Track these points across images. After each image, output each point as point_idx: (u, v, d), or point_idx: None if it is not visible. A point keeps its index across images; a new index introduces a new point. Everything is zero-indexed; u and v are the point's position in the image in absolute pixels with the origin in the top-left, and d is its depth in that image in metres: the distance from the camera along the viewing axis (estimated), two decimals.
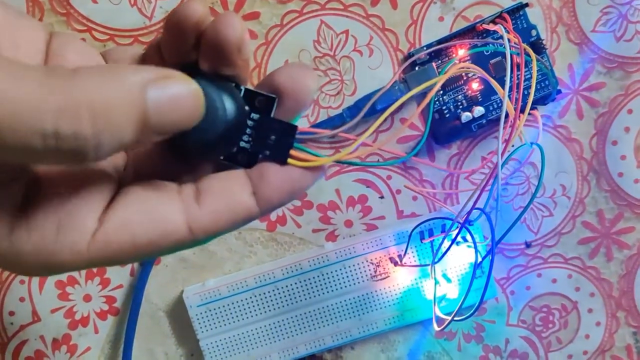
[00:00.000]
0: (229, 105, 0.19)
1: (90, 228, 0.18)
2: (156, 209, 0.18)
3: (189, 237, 0.19)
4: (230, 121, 0.19)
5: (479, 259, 0.34)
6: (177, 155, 0.20)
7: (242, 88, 0.20)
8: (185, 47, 0.19)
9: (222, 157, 0.20)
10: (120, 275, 0.38)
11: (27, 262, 0.17)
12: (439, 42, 0.36)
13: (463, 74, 0.36)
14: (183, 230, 0.18)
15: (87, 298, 0.38)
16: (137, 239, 0.18)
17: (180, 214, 0.18)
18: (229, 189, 0.19)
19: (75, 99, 0.14)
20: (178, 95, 0.17)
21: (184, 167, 0.21)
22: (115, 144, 0.16)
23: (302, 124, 0.36)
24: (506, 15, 0.35)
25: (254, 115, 0.20)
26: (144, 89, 0.16)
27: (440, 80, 0.27)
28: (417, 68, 0.36)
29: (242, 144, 0.20)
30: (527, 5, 0.36)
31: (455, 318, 0.31)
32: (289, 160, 0.19)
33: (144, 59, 0.21)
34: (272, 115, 0.20)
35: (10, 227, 0.17)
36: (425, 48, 0.36)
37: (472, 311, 0.30)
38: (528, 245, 0.39)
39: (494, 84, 0.30)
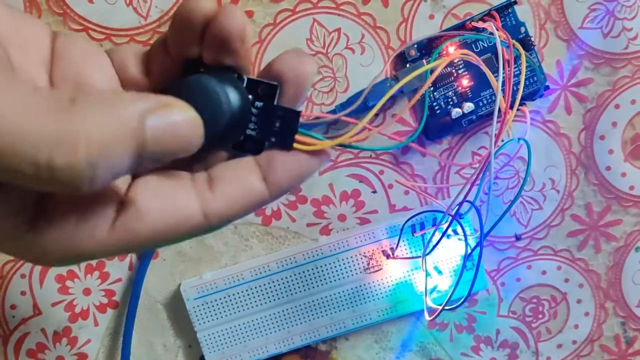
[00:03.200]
0: (232, 96, 0.20)
1: (109, 218, 0.18)
2: (172, 197, 0.19)
3: (204, 222, 0.19)
4: (235, 111, 0.20)
5: (469, 251, 0.34)
6: None
7: (245, 78, 0.20)
8: (192, 41, 0.20)
9: (230, 146, 0.21)
10: (119, 269, 0.39)
11: (48, 254, 0.18)
12: (429, 39, 0.36)
13: (453, 70, 0.37)
14: (199, 216, 0.19)
15: (87, 292, 0.39)
16: (156, 225, 0.18)
17: (195, 200, 0.19)
18: (240, 175, 0.20)
19: (72, 131, 0.15)
20: (176, 124, 0.17)
21: (194, 156, 0.21)
22: (110, 174, 0.16)
23: None
24: (495, 13, 0.36)
25: (258, 104, 0.20)
26: (142, 120, 0.16)
27: (434, 73, 0.28)
28: (408, 65, 0.36)
29: (249, 132, 0.20)
30: (515, 2, 0.36)
31: (446, 308, 0.32)
32: (295, 145, 0.20)
33: (150, 56, 0.21)
34: (275, 102, 0.20)
35: (29, 221, 0.18)
36: (415, 45, 0.36)
37: (461, 301, 0.31)
38: (518, 237, 0.40)
39: (488, 73, 0.30)
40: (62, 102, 0.15)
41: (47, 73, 0.20)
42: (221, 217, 0.19)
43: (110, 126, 0.15)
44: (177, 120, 0.17)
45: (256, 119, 0.20)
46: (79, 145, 0.15)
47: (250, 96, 0.20)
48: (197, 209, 0.19)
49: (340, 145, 0.21)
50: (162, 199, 0.19)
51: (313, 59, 0.20)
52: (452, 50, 0.36)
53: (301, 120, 0.20)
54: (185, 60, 0.20)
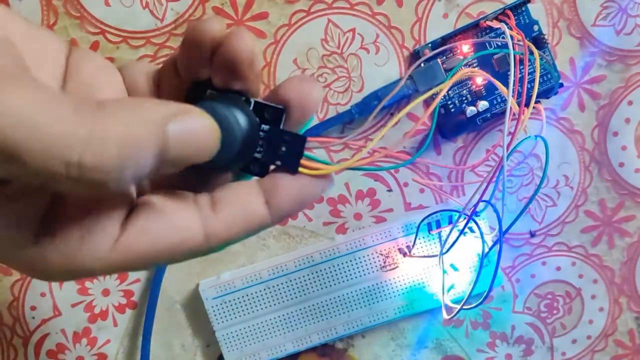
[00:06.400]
0: (242, 120, 0.20)
1: (113, 235, 0.18)
2: (175, 218, 0.19)
3: (206, 244, 0.19)
4: (245, 136, 0.20)
5: (486, 249, 0.35)
6: (194, 168, 0.21)
7: (252, 101, 0.20)
8: (201, 64, 0.20)
9: (239, 169, 0.21)
10: None
11: (50, 268, 0.18)
12: (444, 38, 0.37)
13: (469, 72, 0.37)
14: (200, 239, 0.19)
15: (106, 292, 0.39)
16: (157, 246, 0.19)
17: (197, 222, 0.19)
18: (242, 199, 0.20)
19: (101, 131, 0.15)
20: (196, 130, 0.18)
21: (199, 177, 0.21)
22: (135, 175, 0.16)
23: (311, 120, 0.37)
24: (509, 12, 0.36)
25: (264, 127, 0.20)
26: (164, 124, 0.16)
27: (447, 85, 0.28)
28: (422, 65, 0.37)
29: (255, 154, 0.20)
30: (529, 1, 0.37)
31: (465, 306, 0.32)
32: (300, 169, 0.20)
33: (160, 75, 0.22)
34: (281, 126, 0.20)
35: (35, 234, 0.18)
36: (430, 45, 0.37)
37: (481, 299, 0.31)
38: (533, 234, 0.40)
39: (498, 85, 0.31)
40: (90, 104, 0.15)
41: (60, 88, 0.20)
42: (222, 239, 0.19)
43: (136, 128, 0.16)
44: (196, 126, 0.18)
45: (262, 142, 0.20)
46: (108, 145, 0.15)
47: (257, 119, 0.20)
48: (198, 230, 0.19)
49: (347, 169, 0.21)
50: (165, 219, 0.19)
51: (319, 84, 0.21)
52: (466, 49, 0.37)
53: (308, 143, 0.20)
54: (192, 82, 0.21)
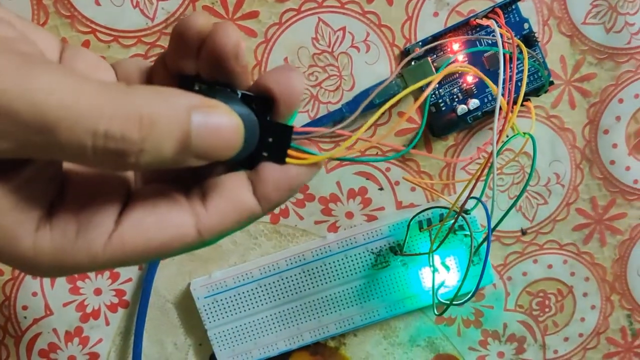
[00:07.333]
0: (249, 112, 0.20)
1: (107, 230, 0.18)
2: (167, 213, 0.19)
3: (198, 238, 0.19)
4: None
5: (476, 247, 0.35)
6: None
7: (239, 92, 0.20)
8: (187, 58, 0.20)
9: (245, 162, 0.21)
10: (129, 269, 0.39)
11: (44, 262, 0.18)
12: (434, 37, 0.37)
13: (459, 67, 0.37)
14: (192, 233, 0.19)
15: (98, 292, 0.39)
16: (150, 242, 0.19)
17: (189, 217, 0.19)
18: (232, 191, 0.20)
19: (127, 107, 0.16)
20: (220, 125, 0.18)
21: (190, 171, 0.22)
22: (156, 156, 0.17)
23: (302, 118, 0.38)
24: (498, 10, 0.36)
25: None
26: (189, 113, 0.17)
27: (436, 79, 0.28)
28: (413, 63, 0.37)
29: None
30: None
31: (454, 303, 0.32)
32: (287, 159, 0.20)
33: (152, 71, 0.22)
34: (268, 117, 0.20)
35: (36, 226, 0.18)
36: (420, 44, 0.37)
37: (469, 296, 0.31)
38: (524, 232, 0.40)
39: (488, 82, 0.31)
40: (119, 85, 0.17)
41: None
42: (214, 233, 0.20)
43: (161, 108, 0.17)
44: (222, 122, 0.18)
45: None
46: (132, 119, 0.16)
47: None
48: (190, 225, 0.19)
49: (334, 158, 0.22)
50: (157, 216, 0.19)
51: (302, 74, 0.21)
52: (456, 47, 0.37)
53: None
54: (180, 76, 0.21)
